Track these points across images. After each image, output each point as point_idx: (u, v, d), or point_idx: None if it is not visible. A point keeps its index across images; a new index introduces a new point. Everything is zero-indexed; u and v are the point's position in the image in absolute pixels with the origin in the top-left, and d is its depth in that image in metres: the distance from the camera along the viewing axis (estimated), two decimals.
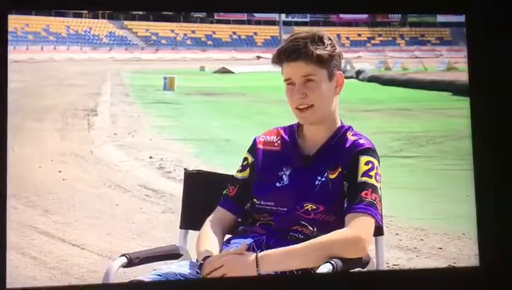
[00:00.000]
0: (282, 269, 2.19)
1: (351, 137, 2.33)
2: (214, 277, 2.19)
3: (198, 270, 2.24)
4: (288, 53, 2.30)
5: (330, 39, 2.34)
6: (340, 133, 2.35)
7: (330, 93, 2.33)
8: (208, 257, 2.23)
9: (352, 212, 2.22)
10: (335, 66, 2.33)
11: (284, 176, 2.33)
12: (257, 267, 2.16)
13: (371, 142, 2.33)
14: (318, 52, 2.29)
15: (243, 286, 2.19)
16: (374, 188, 2.25)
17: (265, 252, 2.19)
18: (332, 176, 2.29)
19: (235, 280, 2.17)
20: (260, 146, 2.42)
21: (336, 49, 2.34)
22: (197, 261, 2.33)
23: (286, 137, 2.41)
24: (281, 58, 2.33)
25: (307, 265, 2.19)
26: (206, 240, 2.33)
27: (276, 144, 2.41)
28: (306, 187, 2.29)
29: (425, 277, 2.59)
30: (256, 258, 2.17)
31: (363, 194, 2.24)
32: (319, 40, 2.31)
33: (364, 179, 2.25)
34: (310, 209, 2.27)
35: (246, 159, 2.44)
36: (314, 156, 2.33)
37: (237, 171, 2.45)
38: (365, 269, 2.32)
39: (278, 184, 2.33)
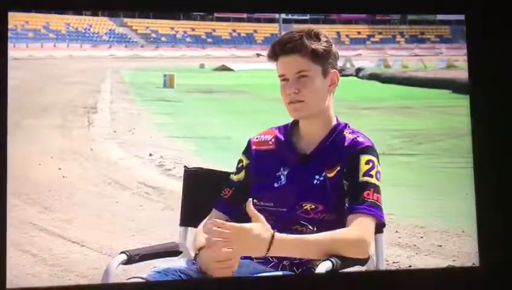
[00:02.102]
0: (289, 255, 2.18)
1: (348, 135, 2.32)
2: (216, 244, 2.11)
3: (194, 261, 2.24)
4: (282, 44, 2.30)
5: (327, 37, 2.33)
6: (337, 131, 2.33)
7: (323, 90, 2.31)
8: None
9: (355, 213, 2.21)
10: (330, 63, 2.32)
11: (281, 176, 2.32)
12: (269, 246, 2.11)
13: (370, 140, 2.32)
14: (313, 46, 2.28)
15: (243, 285, 2.19)
16: (376, 188, 2.25)
17: (280, 235, 2.14)
18: (330, 175, 2.28)
19: (235, 279, 2.17)
20: (254, 147, 2.41)
21: (331, 46, 2.32)
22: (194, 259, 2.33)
23: (280, 136, 2.39)
24: (275, 51, 2.31)
25: (310, 257, 2.19)
26: (201, 233, 2.31)
27: (270, 143, 2.39)
28: (304, 186, 2.28)
29: (425, 276, 2.59)
30: (272, 237, 2.12)
31: (365, 194, 2.23)
32: (314, 35, 2.30)
33: (366, 178, 2.25)
34: (309, 208, 2.26)
35: (240, 161, 2.43)
36: (311, 154, 2.32)
37: (233, 173, 2.45)
38: (365, 267, 2.32)
39: (276, 184, 2.32)
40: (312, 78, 2.29)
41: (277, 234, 2.13)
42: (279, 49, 2.31)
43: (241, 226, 2.11)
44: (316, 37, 2.31)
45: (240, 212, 2.38)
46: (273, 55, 2.33)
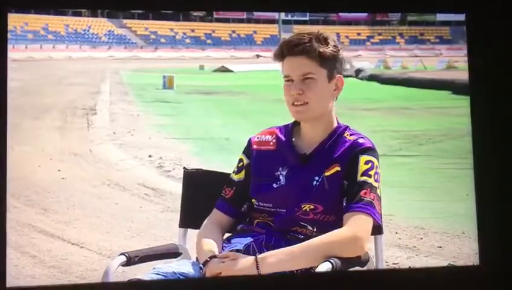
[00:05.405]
0: (282, 270, 2.18)
1: (349, 137, 2.32)
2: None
3: (202, 266, 2.24)
4: (291, 46, 2.30)
5: (335, 41, 2.34)
6: (338, 133, 2.34)
7: (327, 94, 2.32)
8: (214, 256, 2.23)
9: (351, 211, 2.22)
10: (336, 68, 2.33)
11: (280, 177, 2.32)
12: (257, 269, 2.16)
13: (371, 141, 2.33)
14: (321, 49, 2.29)
15: (243, 286, 2.19)
16: (373, 188, 2.25)
17: (264, 254, 2.18)
18: (327, 173, 2.28)
19: (236, 279, 2.17)
20: (255, 146, 2.41)
21: (339, 51, 2.34)
22: (196, 260, 2.33)
23: (281, 136, 2.39)
24: (283, 51, 2.32)
25: (305, 265, 2.19)
26: (207, 240, 2.32)
27: (271, 143, 2.39)
28: (303, 187, 2.28)
29: (425, 275, 2.59)
30: (256, 261, 2.16)
31: (362, 193, 2.23)
32: (323, 39, 2.31)
33: (364, 178, 2.25)
34: (308, 209, 2.27)
35: (241, 160, 2.43)
36: (310, 155, 2.32)
37: (233, 172, 2.44)
38: (364, 268, 2.32)
39: (275, 185, 2.32)
40: (317, 80, 2.30)
41: (261, 255, 2.17)
42: (287, 50, 2.31)
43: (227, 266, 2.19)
44: (325, 41, 2.32)
45: (240, 212, 2.39)
46: (280, 56, 2.33)
